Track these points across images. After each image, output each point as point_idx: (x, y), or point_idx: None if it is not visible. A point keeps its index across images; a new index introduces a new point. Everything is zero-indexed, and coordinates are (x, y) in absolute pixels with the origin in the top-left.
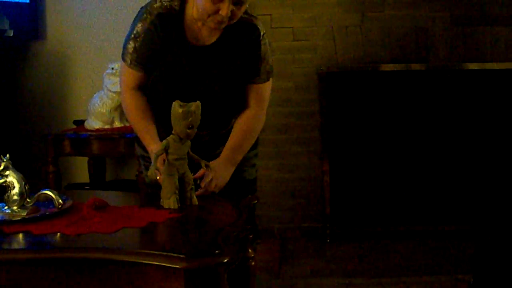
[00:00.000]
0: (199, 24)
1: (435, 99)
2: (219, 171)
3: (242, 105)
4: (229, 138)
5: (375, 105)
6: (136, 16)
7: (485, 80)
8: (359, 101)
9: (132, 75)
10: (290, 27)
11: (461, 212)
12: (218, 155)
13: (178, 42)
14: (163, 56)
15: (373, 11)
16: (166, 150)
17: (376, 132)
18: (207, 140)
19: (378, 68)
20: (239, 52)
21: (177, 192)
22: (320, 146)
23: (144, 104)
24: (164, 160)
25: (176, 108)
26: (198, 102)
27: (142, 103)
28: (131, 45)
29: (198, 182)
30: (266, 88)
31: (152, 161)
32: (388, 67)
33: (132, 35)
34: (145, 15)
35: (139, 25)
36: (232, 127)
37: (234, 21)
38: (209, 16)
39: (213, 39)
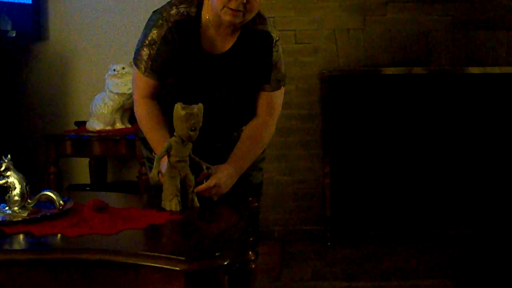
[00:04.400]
0: (213, 31)
1: (436, 103)
2: (223, 179)
3: (253, 113)
4: (236, 146)
5: (376, 109)
6: (149, 21)
7: (486, 84)
8: (361, 104)
9: (147, 83)
10: (292, 30)
11: (462, 216)
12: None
13: (193, 50)
14: (177, 64)
15: (375, 14)
16: (168, 152)
17: (378, 135)
18: (219, 147)
19: (379, 71)
20: (252, 60)
21: (178, 194)
22: (321, 149)
23: (158, 113)
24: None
25: (179, 110)
26: (200, 104)
27: (156, 112)
28: (145, 52)
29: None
30: (277, 97)
31: (154, 163)
32: (389, 71)
33: (147, 42)
34: (161, 21)
35: (155, 31)
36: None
37: (250, 15)
38: (223, 7)
39: (228, 46)
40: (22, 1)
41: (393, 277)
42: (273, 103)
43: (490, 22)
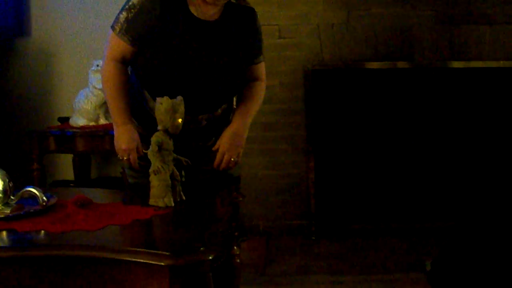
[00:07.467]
0: (198, 3)
1: (420, 97)
2: (226, 141)
3: (239, 85)
4: (237, 107)
5: (360, 103)
6: None
7: (470, 79)
8: (345, 99)
9: (118, 45)
10: (276, 25)
11: (447, 209)
12: (212, 145)
13: (182, 16)
14: (165, 31)
15: (359, 9)
16: (159, 146)
17: (362, 129)
18: (204, 127)
19: (363, 66)
20: (241, 31)
21: (170, 189)
22: (305, 144)
23: (124, 79)
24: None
25: (166, 102)
26: (180, 96)
27: (122, 78)
28: (123, 15)
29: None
30: (263, 65)
31: (151, 159)
32: (373, 65)
33: (127, 6)
34: None
35: None
36: (226, 108)
37: None
38: None
39: (215, 17)
40: None
41: (378, 270)
42: (262, 71)
43: (473, 16)
